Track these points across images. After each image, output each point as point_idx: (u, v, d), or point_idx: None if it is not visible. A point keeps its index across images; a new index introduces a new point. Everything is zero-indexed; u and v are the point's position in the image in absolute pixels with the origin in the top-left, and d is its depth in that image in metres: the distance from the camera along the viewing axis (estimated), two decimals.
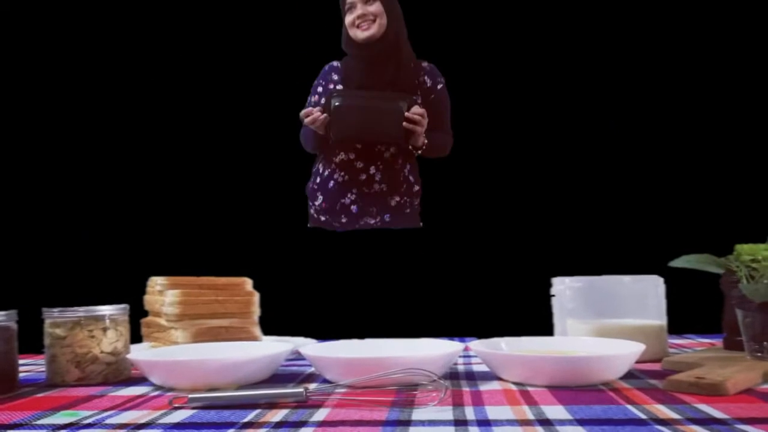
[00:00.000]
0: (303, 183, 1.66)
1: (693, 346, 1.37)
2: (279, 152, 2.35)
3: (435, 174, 1.83)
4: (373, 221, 1.52)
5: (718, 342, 1.36)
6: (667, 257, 1.10)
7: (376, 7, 1.65)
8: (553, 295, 1.33)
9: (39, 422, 0.76)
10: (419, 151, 1.63)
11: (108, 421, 0.76)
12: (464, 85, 2.04)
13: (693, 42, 2.37)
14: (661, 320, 1.23)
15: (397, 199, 1.54)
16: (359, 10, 1.65)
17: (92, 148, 2.48)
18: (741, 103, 2.33)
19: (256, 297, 1.39)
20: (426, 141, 1.58)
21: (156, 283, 1.31)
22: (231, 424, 0.72)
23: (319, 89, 1.73)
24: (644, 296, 1.24)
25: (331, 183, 1.54)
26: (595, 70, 2.42)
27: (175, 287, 1.28)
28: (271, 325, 1.47)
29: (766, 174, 2.28)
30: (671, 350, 1.26)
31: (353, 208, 1.50)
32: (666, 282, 1.24)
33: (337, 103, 1.51)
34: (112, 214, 2.43)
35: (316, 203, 1.51)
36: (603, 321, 1.22)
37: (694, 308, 1.43)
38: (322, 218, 1.50)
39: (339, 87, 1.69)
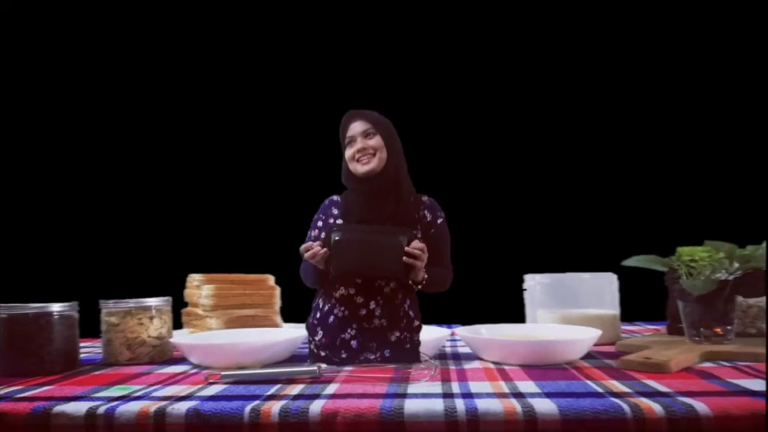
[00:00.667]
0: (321, 193, 1.60)
1: (641, 331, 1.37)
2: (301, 170, 2.36)
3: (430, 183, 1.76)
4: (372, 356, 1.32)
5: (662, 328, 1.36)
6: (620, 257, 1.11)
7: (376, 141, 1.41)
8: (525, 290, 1.33)
9: (97, 395, 0.76)
10: (419, 286, 1.45)
11: (154, 394, 0.76)
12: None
13: (661, 58, 2.37)
14: (615, 310, 1.23)
15: (397, 334, 1.34)
16: (359, 144, 1.40)
17: (144, 163, 2.49)
18: (689, 122, 2.33)
19: (278, 291, 1.40)
20: (426, 276, 1.39)
21: (194, 279, 1.32)
22: (256, 397, 0.72)
23: (319, 223, 1.50)
24: (601, 290, 1.25)
25: (331, 318, 1.34)
26: (555, 96, 2.43)
27: (210, 283, 1.28)
28: (290, 314, 1.47)
29: (702, 186, 2.29)
30: (623, 335, 1.26)
31: (353, 343, 1.32)
32: (619, 278, 1.25)
33: (337, 238, 1.30)
34: (159, 221, 2.44)
35: (316, 338, 1.30)
36: (567, 311, 1.22)
37: (642, 300, 1.43)
38: (322, 353, 1.29)
39: (339, 221, 1.47)
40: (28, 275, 2.27)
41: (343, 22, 2.43)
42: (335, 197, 1.61)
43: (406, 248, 1.34)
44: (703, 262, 1.01)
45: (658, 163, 2.36)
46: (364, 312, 1.41)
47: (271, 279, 1.40)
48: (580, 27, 2.40)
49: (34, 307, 0.97)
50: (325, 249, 1.36)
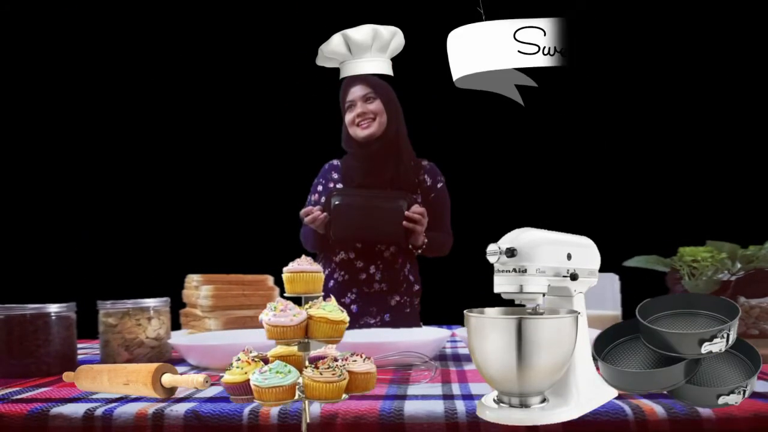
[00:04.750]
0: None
1: None
2: (302, 173, 2.36)
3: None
4: (372, 321, 1.31)
5: None
6: (622, 258, 1.11)
7: (376, 106, 1.42)
8: None
9: (94, 396, 0.77)
10: (419, 251, 1.43)
11: (152, 396, 0.76)
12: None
13: (647, 65, 2.37)
14: (616, 310, 1.23)
15: (397, 298, 1.32)
16: (359, 108, 1.42)
17: (142, 164, 2.49)
18: (691, 123, 2.34)
19: (277, 291, 1.39)
20: (426, 240, 1.36)
21: (192, 279, 1.32)
22: None
23: (319, 188, 1.47)
24: (603, 290, 1.24)
25: (332, 282, 1.33)
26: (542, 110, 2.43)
27: (208, 283, 1.28)
28: None
29: (704, 186, 2.29)
30: None
31: (353, 307, 1.31)
32: (621, 278, 1.25)
33: (336, 202, 1.30)
34: (157, 222, 2.44)
35: None
36: None
37: (644, 300, 1.43)
38: None
39: (339, 186, 1.47)
40: (25, 276, 2.27)
41: None
42: (335, 161, 1.57)
43: (406, 213, 1.32)
44: (705, 262, 1.01)
45: (660, 164, 2.37)
46: (364, 276, 1.38)
47: (269, 279, 1.40)
48: (585, 26, 2.40)
49: (31, 307, 0.97)
50: (324, 213, 1.34)
